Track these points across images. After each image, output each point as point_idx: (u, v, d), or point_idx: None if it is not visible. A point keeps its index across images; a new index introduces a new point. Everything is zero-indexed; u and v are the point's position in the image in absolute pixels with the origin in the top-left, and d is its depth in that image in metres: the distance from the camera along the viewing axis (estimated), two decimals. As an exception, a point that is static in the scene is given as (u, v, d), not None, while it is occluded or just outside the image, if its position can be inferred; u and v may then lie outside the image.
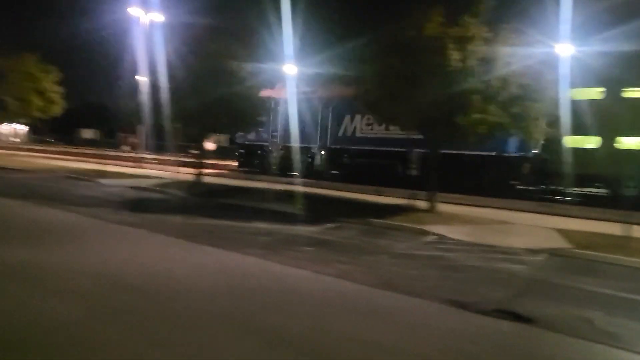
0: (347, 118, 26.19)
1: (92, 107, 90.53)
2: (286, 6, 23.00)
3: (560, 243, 12.27)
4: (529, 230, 14.08)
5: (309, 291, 7.81)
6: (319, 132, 27.50)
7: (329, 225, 13.92)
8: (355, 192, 20.96)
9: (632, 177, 18.46)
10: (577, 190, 19.29)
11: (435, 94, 13.43)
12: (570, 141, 18.55)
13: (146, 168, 30.90)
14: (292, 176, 25.20)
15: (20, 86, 32.35)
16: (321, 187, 21.86)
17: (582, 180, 19.11)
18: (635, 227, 12.41)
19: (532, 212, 17.13)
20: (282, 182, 23.01)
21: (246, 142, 30.92)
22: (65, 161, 34.48)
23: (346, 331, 6.10)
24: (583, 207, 17.73)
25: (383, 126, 23.11)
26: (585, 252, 11.33)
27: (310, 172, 25.93)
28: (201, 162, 23.13)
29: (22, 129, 70.61)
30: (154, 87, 20.66)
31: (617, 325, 6.84)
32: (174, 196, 19.35)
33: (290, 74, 26.34)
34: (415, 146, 20.11)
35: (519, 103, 14.03)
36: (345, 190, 21.59)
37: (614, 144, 19.15)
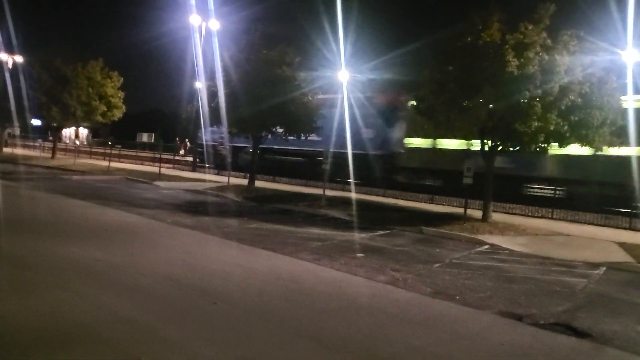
0: None
1: (151, 112, 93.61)
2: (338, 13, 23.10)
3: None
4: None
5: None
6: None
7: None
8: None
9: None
10: None
11: (492, 101, 13.23)
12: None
13: (200, 172, 31.64)
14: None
15: (84, 91, 33.77)
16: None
17: None
18: None
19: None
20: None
21: (209, 143, 34.67)
22: (124, 163, 35.78)
23: (399, 339, 6.11)
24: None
25: None
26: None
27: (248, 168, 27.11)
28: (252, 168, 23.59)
29: (84, 132, 73.49)
30: (212, 93, 21.24)
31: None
32: (228, 200, 19.76)
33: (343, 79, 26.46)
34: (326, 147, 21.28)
35: (578, 111, 13.64)
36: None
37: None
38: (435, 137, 19.86)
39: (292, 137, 22.72)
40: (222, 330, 6.05)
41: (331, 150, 20.74)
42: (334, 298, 7.74)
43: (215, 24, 29.30)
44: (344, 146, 24.07)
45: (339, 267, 9.70)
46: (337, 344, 5.85)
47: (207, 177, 27.40)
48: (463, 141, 17.80)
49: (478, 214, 16.20)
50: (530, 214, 18.31)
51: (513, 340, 6.35)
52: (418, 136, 23.80)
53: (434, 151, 22.97)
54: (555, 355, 6.01)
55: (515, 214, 18.04)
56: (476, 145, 16.14)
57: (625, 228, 15.78)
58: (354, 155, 24.08)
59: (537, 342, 6.37)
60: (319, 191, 20.34)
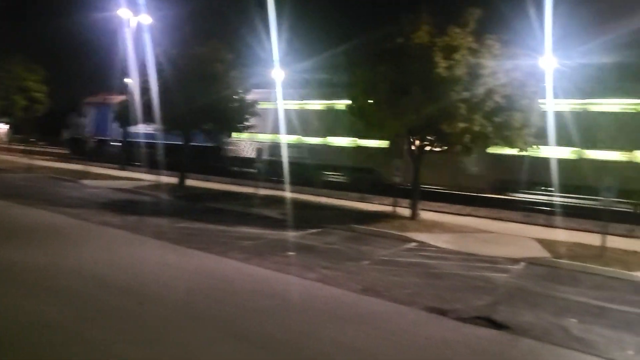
0: None
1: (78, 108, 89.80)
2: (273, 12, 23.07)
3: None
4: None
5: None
6: (112, 128, 35.28)
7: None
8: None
9: None
10: None
11: (422, 101, 13.58)
12: None
13: (130, 171, 30.71)
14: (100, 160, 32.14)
15: (3, 85, 32.06)
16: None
17: None
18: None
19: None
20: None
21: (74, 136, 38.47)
22: (49, 161, 34.19)
23: (328, 336, 6.19)
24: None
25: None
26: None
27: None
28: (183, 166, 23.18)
29: (3, 127, 69.71)
30: (143, 89, 20.68)
31: (590, 332, 7.00)
32: (158, 198, 19.31)
33: (277, 78, 26.44)
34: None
35: (502, 113, 14.22)
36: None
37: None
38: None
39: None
40: (148, 330, 5.93)
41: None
42: (264, 296, 7.74)
43: (146, 19, 28.50)
44: None
45: (269, 265, 9.70)
46: (266, 342, 5.85)
47: (137, 175, 26.62)
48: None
49: (408, 212, 16.57)
50: (457, 212, 18.92)
51: (438, 335, 6.57)
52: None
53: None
54: (476, 347, 6.25)
55: (442, 212, 18.59)
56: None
57: (544, 225, 16.56)
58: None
59: (460, 335, 6.61)
60: (251, 190, 20.22)
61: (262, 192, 19.68)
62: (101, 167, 30.00)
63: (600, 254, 11.86)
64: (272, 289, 8.21)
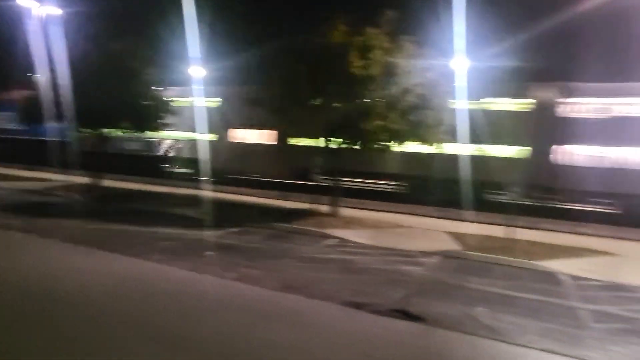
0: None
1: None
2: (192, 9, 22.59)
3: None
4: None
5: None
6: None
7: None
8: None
9: None
10: None
11: (339, 100, 13.79)
12: None
13: (42, 171, 29.13)
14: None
15: None
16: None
17: None
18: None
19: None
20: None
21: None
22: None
23: (247, 334, 6.17)
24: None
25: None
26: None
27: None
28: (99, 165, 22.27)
29: None
30: (52, 85, 19.66)
31: (499, 320, 7.40)
32: (71, 200, 18.46)
33: (195, 75, 25.96)
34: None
35: (416, 112, 14.69)
36: None
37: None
38: None
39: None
40: (58, 336, 5.67)
41: None
42: (181, 297, 7.61)
43: (54, 11, 27.08)
44: None
45: (188, 266, 9.52)
46: (182, 343, 5.76)
47: (49, 175, 25.30)
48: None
49: (330, 209, 16.75)
50: (377, 208, 19.31)
51: (355, 329, 6.72)
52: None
53: None
54: (392, 339, 6.44)
55: (363, 208, 18.92)
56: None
57: (457, 219, 17.25)
58: None
59: (377, 328, 6.80)
60: (172, 189, 19.77)
61: (183, 191, 19.29)
62: (6, 167, 28.25)
63: (508, 246, 12.54)
64: (190, 290, 8.08)
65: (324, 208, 16.97)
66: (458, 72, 17.77)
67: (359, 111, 13.97)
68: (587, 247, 13.12)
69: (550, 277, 10.39)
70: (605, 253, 12.65)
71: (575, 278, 10.30)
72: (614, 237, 14.80)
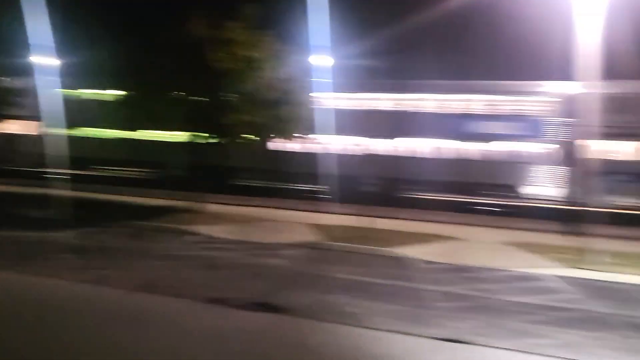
0: None
1: None
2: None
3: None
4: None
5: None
6: None
7: None
8: None
9: None
10: None
11: (199, 94, 13.59)
12: None
13: None
14: None
15: None
16: None
17: None
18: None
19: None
20: None
21: None
22: None
23: (99, 337, 5.91)
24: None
25: None
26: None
27: None
28: None
29: None
30: None
31: (356, 306, 7.79)
32: None
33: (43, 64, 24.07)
34: None
35: (280, 106, 14.91)
36: None
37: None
38: None
39: None
40: None
41: None
42: (29, 305, 7.07)
43: None
44: None
45: (38, 270, 8.85)
46: (29, 353, 5.39)
47: None
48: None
49: (197, 206, 16.43)
50: (243, 203, 19.25)
51: (217, 324, 6.68)
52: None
53: None
54: (254, 333, 6.47)
55: (230, 204, 18.75)
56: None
57: (319, 211, 17.71)
58: None
59: (239, 322, 6.82)
60: (21, 189, 18.23)
61: (36, 190, 17.83)
62: None
63: (366, 235, 13.20)
64: (39, 296, 7.54)
65: (189, 204, 16.61)
66: (318, 68, 18.32)
67: (221, 105, 13.87)
68: (437, 233, 14.24)
69: (403, 262, 11.13)
70: (452, 238, 13.80)
71: (425, 262, 11.14)
72: (459, 224, 16.17)
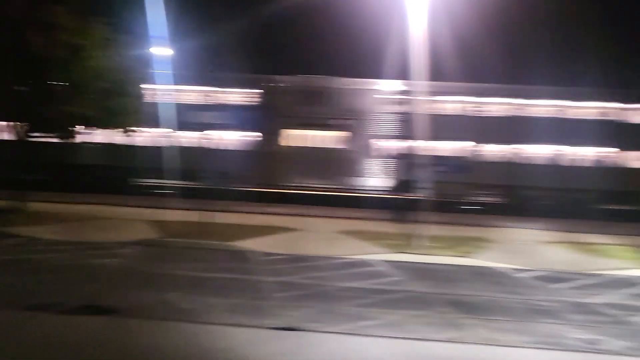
0: None
1: None
2: None
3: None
4: None
5: None
6: None
7: None
8: None
9: None
10: None
11: (17, 82, 12.36)
12: None
13: None
14: None
15: None
16: None
17: None
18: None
19: None
20: None
21: None
22: None
23: None
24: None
25: None
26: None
27: None
28: None
29: None
30: None
31: (190, 302, 7.72)
32: None
33: None
34: None
35: (113, 98, 14.13)
36: None
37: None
38: None
39: None
40: None
41: None
42: None
43: None
44: None
45: None
46: None
47: None
48: None
49: (20, 205, 14.95)
50: (76, 201, 17.98)
51: (39, 332, 6.19)
52: None
53: None
54: (82, 337, 6.09)
55: (62, 202, 17.38)
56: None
57: (159, 207, 17.18)
58: None
59: (64, 328, 6.39)
60: None
61: None
62: None
63: (206, 230, 13.10)
64: None
65: (10, 204, 15.08)
66: (155, 60, 17.74)
67: (43, 95, 12.76)
68: (274, 224, 14.59)
69: (242, 256, 11.26)
70: (289, 229, 14.25)
71: (263, 254, 11.36)
72: (296, 215, 16.72)
